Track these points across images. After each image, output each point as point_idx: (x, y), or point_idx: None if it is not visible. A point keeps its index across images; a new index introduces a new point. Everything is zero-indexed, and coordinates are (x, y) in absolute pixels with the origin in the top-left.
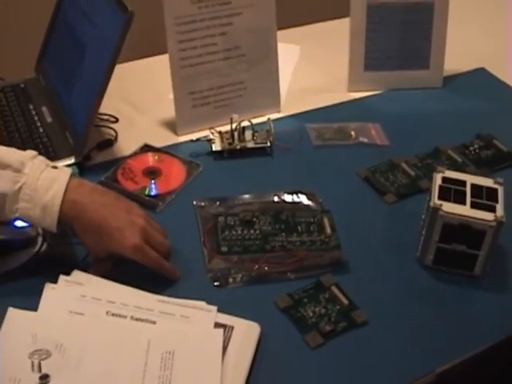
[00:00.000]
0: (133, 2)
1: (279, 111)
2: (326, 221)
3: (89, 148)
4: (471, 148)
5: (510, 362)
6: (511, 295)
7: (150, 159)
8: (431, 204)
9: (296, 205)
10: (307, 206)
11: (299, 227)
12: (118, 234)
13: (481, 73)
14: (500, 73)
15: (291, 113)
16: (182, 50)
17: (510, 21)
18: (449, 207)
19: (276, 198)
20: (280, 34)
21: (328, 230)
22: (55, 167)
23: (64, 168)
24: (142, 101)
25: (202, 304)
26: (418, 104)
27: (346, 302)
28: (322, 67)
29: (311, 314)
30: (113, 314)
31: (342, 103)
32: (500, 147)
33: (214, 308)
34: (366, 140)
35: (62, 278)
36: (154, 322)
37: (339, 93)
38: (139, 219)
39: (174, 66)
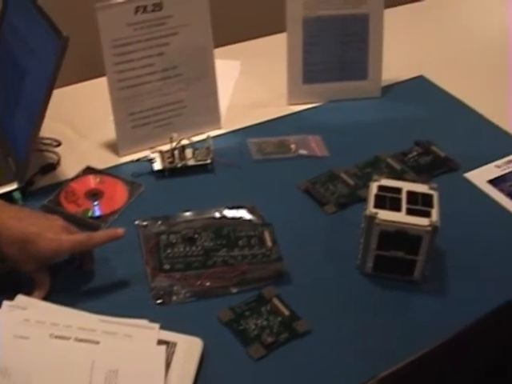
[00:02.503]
0: (71, 26)
1: (220, 127)
2: (266, 234)
3: (32, 173)
4: (410, 155)
5: (450, 364)
6: (451, 298)
7: (92, 181)
8: (367, 213)
9: (237, 220)
10: (249, 220)
11: (240, 242)
12: (41, 239)
13: (420, 80)
14: (439, 80)
15: (232, 129)
16: (120, 72)
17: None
18: (384, 215)
19: (217, 214)
20: (220, 50)
21: (269, 243)
22: None
23: None
24: (84, 124)
25: (145, 322)
26: (357, 114)
27: (287, 313)
28: (263, 82)
29: (253, 327)
30: (56, 337)
31: (282, 117)
32: (438, 153)
33: (157, 325)
34: (305, 152)
35: (5, 303)
36: (98, 342)
37: (280, 107)
38: (58, 221)
39: (112, 88)
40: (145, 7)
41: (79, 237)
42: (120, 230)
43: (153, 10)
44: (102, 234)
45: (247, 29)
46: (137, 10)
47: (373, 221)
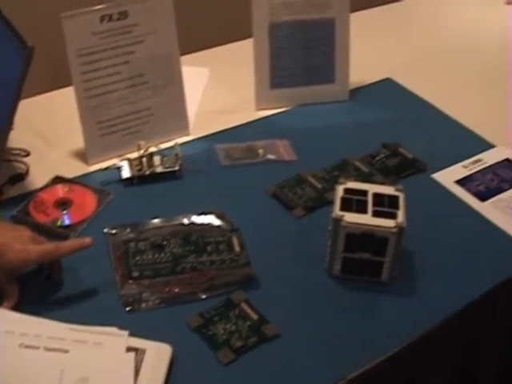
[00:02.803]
0: (38, 36)
1: (188, 134)
2: (234, 239)
3: (0, 183)
4: (378, 158)
5: (418, 365)
6: (419, 298)
7: (60, 191)
8: (333, 215)
9: (205, 226)
10: (217, 226)
11: (209, 247)
12: (9, 249)
13: (387, 83)
14: (406, 82)
15: (201, 135)
16: (87, 81)
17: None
18: (350, 217)
19: (186, 221)
20: (189, 57)
21: (237, 248)
22: None
23: None
24: (53, 133)
25: (114, 330)
26: (325, 118)
27: (255, 317)
28: (231, 88)
29: (222, 332)
30: (26, 346)
31: (250, 122)
32: (405, 155)
33: (126, 333)
34: (273, 157)
35: None
36: (67, 351)
37: (248, 112)
38: (25, 231)
39: (79, 97)
40: (110, 16)
41: (47, 247)
42: (87, 240)
43: (118, 19)
44: (69, 244)
45: (215, 35)
46: (102, 19)
47: (339, 223)
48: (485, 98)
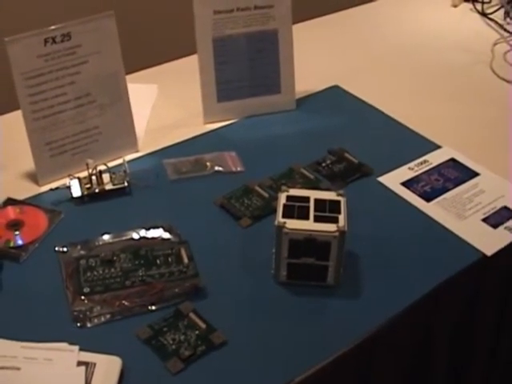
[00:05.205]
0: None
1: (138, 150)
2: (183, 251)
3: None
4: (324, 164)
5: (366, 365)
6: (364, 299)
7: (12, 212)
8: (276, 223)
9: (154, 239)
10: (166, 239)
11: (158, 260)
12: None
13: (334, 90)
14: (354, 88)
15: (150, 151)
16: (34, 103)
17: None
18: (292, 224)
19: (135, 235)
20: (138, 75)
21: (185, 260)
22: None
23: None
24: (3, 156)
25: (64, 345)
26: (272, 128)
27: (203, 326)
28: (180, 103)
29: (171, 342)
30: None
31: (198, 136)
32: (351, 160)
33: (76, 347)
34: (221, 169)
35: None
36: (19, 369)
37: (196, 126)
38: None
39: (27, 119)
40: (54, 38)
41: None
42: None
43: (62, 41)
44: None
45: (163, 52)
46: (46, 42)
47: (281, 230)
48: (431, 100)
